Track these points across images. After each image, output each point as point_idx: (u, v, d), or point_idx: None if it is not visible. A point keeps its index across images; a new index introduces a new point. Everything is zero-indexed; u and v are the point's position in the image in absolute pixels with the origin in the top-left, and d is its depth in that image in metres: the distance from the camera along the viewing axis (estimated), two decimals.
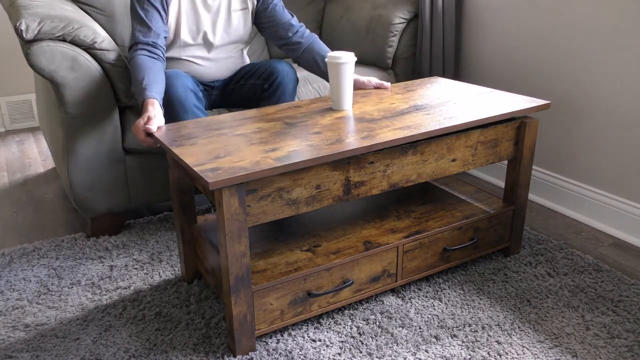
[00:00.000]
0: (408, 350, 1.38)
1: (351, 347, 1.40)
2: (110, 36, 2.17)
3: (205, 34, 1.88)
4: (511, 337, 1.42)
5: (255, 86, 1.95)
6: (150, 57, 1.68)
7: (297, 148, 1.32)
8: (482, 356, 1.36)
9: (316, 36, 1.94)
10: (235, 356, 1.36)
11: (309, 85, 2.21)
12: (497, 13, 2.26)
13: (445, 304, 1.56)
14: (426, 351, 1.38)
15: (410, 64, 2.48)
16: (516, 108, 1.58)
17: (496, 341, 1.41)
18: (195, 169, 1.22)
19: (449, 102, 1.66)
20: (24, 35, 1.61)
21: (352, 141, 1.35)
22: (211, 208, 2.12)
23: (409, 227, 1.61)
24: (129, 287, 1.66)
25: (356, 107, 1.65)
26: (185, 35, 1.85)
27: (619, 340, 1.41)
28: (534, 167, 2.24)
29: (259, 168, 1.21)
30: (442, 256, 1.63)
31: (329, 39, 2.74)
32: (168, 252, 1.85)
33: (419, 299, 1.58)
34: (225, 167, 1.22)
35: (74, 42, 1.69)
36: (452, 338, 1.43)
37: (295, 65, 2.45)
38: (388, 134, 1.39)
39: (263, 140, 1.38)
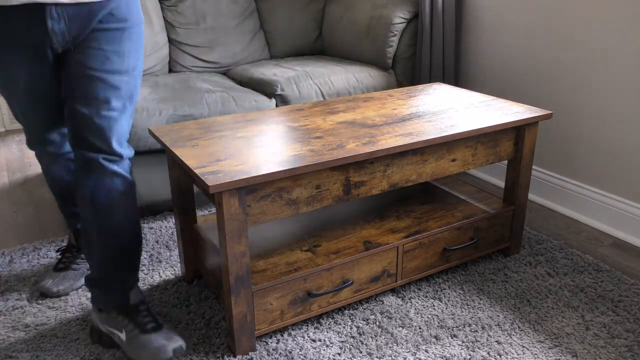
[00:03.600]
0: (408, 350, 1.39)
1: (351, 347, 1.40)
2: None
3: None
4: (511, 337, 1.42)
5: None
6: None
7: (298, 152, 1.32)
8: (482, 356, 1.36)
9: None
10: (235, 356, 1.36)
11: (309, 79, 2.21)
12: (497, 12, 2.26)
13: (445, 304, 1.56)
14: (426, 351, 1.38)
15: (410, 64, 2.48)
16: (517, 118, 1.58)
17: (496, 341, 1.41)
18: (196, 171, 1.22)
19: (451, 110, 1.66)
20: None
21: (354, 147, 1.35)
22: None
23: (409, 227, 1.61)
24: None
25: (358, 112, 1.65)
26: None
27: (619, 340, 1.41)
28: (534, 167, 2.25)
29: (259, 172, 1.21)
30: (442, 256, 1.63)
31: (329, 39, 2.74)
32: (168, 252, 1.85)
33: (419, 299, 1.58)
34: (226, 171, 1.22)
35: None
36: (452, 338, 1.43)
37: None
38: (389, 141, 1.39)
39: (264, 144, 1.38)
